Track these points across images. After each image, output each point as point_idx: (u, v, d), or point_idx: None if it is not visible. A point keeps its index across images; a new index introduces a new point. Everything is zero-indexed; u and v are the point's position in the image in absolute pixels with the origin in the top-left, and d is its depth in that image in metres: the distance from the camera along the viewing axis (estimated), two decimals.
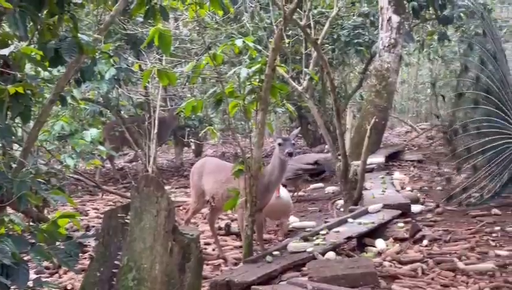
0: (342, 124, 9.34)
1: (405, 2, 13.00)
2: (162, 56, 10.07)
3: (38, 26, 4.61)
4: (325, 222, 8.38)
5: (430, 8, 13.60)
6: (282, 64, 8.02)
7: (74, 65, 5.07)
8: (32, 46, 4.72)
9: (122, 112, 13.55)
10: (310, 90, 12.17)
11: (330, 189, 11.30)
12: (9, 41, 4.78)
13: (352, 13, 14.52)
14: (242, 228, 7.01)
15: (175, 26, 12.84)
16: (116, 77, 9.00)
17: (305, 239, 7.05)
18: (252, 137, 6.98)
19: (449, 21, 13.60)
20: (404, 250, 7.10)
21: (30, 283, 4.13)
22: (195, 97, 12.06)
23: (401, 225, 7.84)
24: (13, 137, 5.04)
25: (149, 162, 9.53)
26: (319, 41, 8.63)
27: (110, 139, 13.23)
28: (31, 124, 5.60)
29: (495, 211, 8.68)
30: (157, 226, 4.81)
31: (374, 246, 7.22)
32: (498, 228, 7.91)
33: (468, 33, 13.40)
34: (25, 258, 4.11)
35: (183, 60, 12.81)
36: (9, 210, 4.94)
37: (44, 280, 4.42)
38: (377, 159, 11.93)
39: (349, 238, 7.28)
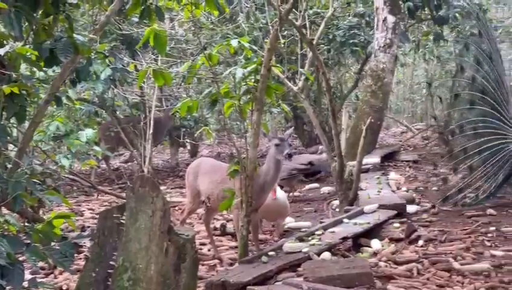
0: (337, 125, 9.34)
1: (400, 2, 13.01)
2: (157, 56, 10.07)
3: (34, 27, 4.61)
4: (321, 222, 8.38)
5: (426, 9, 13.62)
6: (278, 65, 8.01)
7: (69, 65, 5.07)
8: (28, 46, 4.72)
9: (117, 112, 13.54)
10: (306, 91, 12.19)
11: (326, 189, 11.30)
12: (5, 42, 4.78)
13: (347, 13, 14.53)
14: (237, 228, 7.01)
15: (170, 26, 12.82)
16: (111, 77, 8.98)
17: (301, 239, 7.06)
18: (248, 137, 6.98)
19: (444, 21, 13.62)
20: (400, 250, 7.10)
21: (25, 284, 4.12)
22: (190, 97, 12.03)
23: (397, 225, 7.85)
24: (8, 137, 5.03)
25: (144, 162, 9.53)
26: (314, 42, 8.63)
27: (105, 139, 13.21)
28: (26, 124, 5.59)
29: (490, 211, 8.69)
30: (152, 227, 4.81)
31: (370, 247, 7.22)
32: (493, 228, 7.92)
33: (463, 33, 13.41)
34: (20, 259, 4.10)
35: (179, 60, 12.82)
36: (4, 210, 4.92)
37: (39, 280, 4.41)
38: (373, 159, 11.94)
39: (344, 239, 7.29)
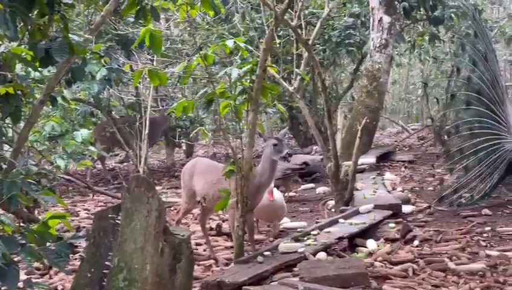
0: (333, 125, 9.34)
1: (396, 2, 13.02)
2: (153, 56, 10.07)
3: (29, 27, 4.60)
4: (316, 223, 8.39)
5: (421, 9, 13.62)
6: (273, 65, 8.01)
7: (65, 65, 5.07)
8: (23, 46, 4.71)
9: (113, 113, 13.51)
10: (301, 91, 12.20)
11: (321, 189, 11.31)
12: (0, 42, 4.77)
13: (343, 14, 14.53)
14: (233, 228, 7.00)
15: (166, 26, 12.82)
16: (107, 78, 8.96)
17: (296, 240, 7.06)
18: (243, 138, 6.97)
19: (440, 22, 13.62)
20: (395, 250, 7.11)
21: (20, 284, 4.11)
22: (186, 98, 12.06)
23: (392, 225, 7.86)
24: (3, 137, 5.03)
25: (140, 162, 9.51)
26: (310, 42, 8.62)
27: (101, 139, 13.20)
28: (22, 124, 5.59)
29: (485, 211, 8.72)
30: (148, 227, 4.80)
31: (365, 247, 7.23)
32: (488, 228, 7.94)
33: (459, 34, 13.43)
34: (16, 259, 4.09)
35: (174, 61, 12.82)
36: None
37: (34, 280, 4.39)
38: (368, 159, 11.95)
39: (340, 239, 7.29)
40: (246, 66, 6.60)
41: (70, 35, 4.76)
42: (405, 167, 13.05)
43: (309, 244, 6.90)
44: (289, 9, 7.74)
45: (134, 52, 11.40)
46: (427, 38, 15.52)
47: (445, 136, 9.85)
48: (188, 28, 13.00)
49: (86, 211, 10.59)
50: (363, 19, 14.03)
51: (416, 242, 7.40)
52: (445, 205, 9.12)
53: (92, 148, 8.45)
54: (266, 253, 6.64)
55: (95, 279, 4.94)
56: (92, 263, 4.99)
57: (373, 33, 12.91)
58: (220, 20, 13.30)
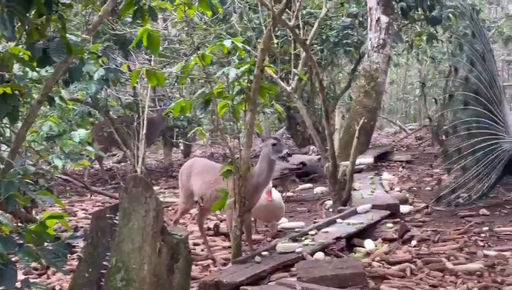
0: (330, 125, 9.35)
1: (394, 2, 13.02)
2: (150, 56, 10.05)
3: (26, 27, 4.59)
4: (314, 223, 8.39)
5: (419, 9, 13.62)
6: (271, 65, 8.00)
7: (62, 65, 5.06)
8: (20, 46, 4.71)
9: (110, 113, 13.51)
10: (299, 91, 12.20)
11: (319, 189, 11.30)
12: None
13: (341, 14, 14.54)
14: (231, 228, 7.00)
15: (164, 26, 12.82)
16: (104, 78, 8.96)
17: (294, 239, 7.06)
18: (241, 138, 6.97)
19: (438, 22, 13.63)
20: (393, 250, 7.11)
21: (18, 284, 4.11)
22: (184, 98, 12.04)
23: (390, 225, 7.87)
24: (1, 137, 5.03)
25: (138, 162, 9.50)
26: (307, 42, 8.63)
27: (98, 139, 13.18)
28: (19, 124, 5.58)
29: (483, 211, 8.72)
30: (145, 227, 4.80)
31: (363, 247, 7.23)
32: (486, 228, 7.95)
33: (456, 34, 13.44)
34: (13, 259, 4.09)
35: (172, 61, 12.82)
36: None
37: (32, 280, 4.40)
38: (366, 159, 11.96)
39: (338, 239, 7.29)
40: (243, 66, 6.60)
41: (67, 35, 4.76)
42: (403, 167, 13.05)
43: (307, 244, 6.90)
44: (287, 9, 7.74)
45: (132, 52, 11.38)
46: (424, 38, 15.54)
47: (443, 136, 9.85)
48: (186, 28, 13.00)
49: (83, 211, 10.58)
50: (360, 19, 14.03)
51: (414, 242, 7.40)
52: (443, 205, 9.13)
53: (89, 148, 8.44)
54: (264, 253, 6.64)
55: (93, 279, 4.93)
56: (90, 263, 4.98)
57: (371, 33, 12.91)
58: (218, 20, 13.31)
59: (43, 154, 7.93)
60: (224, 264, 7.24)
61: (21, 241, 4.15)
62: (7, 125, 6.10)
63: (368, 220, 7.75)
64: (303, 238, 7.11)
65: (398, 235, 7.55)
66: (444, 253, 7.02)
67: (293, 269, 6.26)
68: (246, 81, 6.65)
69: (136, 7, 5.48)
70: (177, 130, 15.47)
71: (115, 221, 4.95)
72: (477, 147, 9.09)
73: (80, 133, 8.08)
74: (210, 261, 7.52)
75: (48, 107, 7.74)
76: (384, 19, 12.72)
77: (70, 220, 9.49)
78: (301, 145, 15.58)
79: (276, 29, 8.93)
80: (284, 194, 10.72)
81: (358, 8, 14.16)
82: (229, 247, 7.50)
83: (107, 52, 9.85)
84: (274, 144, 6.93)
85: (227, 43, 6.46)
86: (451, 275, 6.33)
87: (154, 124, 13.44)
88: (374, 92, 12.88)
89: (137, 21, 5.86)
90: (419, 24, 15.80)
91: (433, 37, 14.91)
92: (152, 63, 9.45)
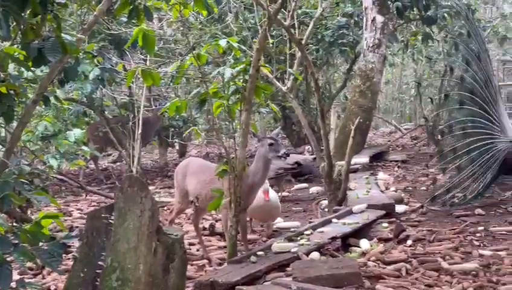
0: (326, 124, 9.34)
1: (389, 2, 13.03)
2: (146, 56, 10.04)
3: (22, 26, 4.58)
4: (310, 222, 8.40)
5: (414, 9, 13.63)
6: (267, 65, 8.01)
7: (58, 65, 5.05)
8: (15, 46, 4.70)
9: (106, 112, 13.49)
10: (294, 91, 12.19)
11: (314, 189, 11.31)
12: None
13: (336, 13, 14.55)
14: (226, 228, 7.00)
15: (159, 26, 12.81)
16: (100, 77, 8.93)
17: (290, 239, 7.06)
18: (236, 137, 6.97)
19: (433, 21, 13.63)
20: (389, 250, 7.11)
21: (13, 284, 4.10)
22: (179, 97, 12.04)
23: (386, 225, 7.86)
24: None
25: (133, 162, 9.49)
26: (303, 42, 8.62)
27: (94, 139, 13.18)
28: (14, 124, 5.57)
29: (478, 211, 8.73)
30: (141, 227, 4.80)
31: (358, 246, 7.23)
32: (481, 227, 7.95)
33: (452, 33, 13.45)
34: (8, 259, 4.08)
35: (168, 60, 12.80)
36: None
37: (27, 280, 4.38)
38: (361, 159, 11.97)
39: (333, 239, 7.29)
40: (239, 65, 6.60)
41: (63, 34, 4.74)
42: (398, 167, 13.07)
43: (302, 244, 6.90)
44: (282, 9, 7.74)
45: (127, 52, 11.38)
46: (420, 38, 15.54)
47: (439, 136, 9.86)
48: (181, 28, 12.99)
49: (79, 211, 10.57)
50: (356, 19, 14.04)
51: (409, 242, 7.41)
52: (438, 205, 9.13)
53: (84, 148, 8.44)
54: (259, 253, 6.64)
55: (88, 279, 4.93)
56: (85, 263, 4.98)
57: (366, 33, 12.93)
58: (213, 19, 13.30)
59: (38, 154, 7.91)
60: (220, 264, 7.24)
61: (16, 241, 4.14)
62: (2, 125, 6.09)
63: (363, 220, 7.76)
64: (298, 238, 7.11)
65: (393, 235, 7.55)
66: (439, 253, 7.02)
67: (288, 269, 6.25)
68: (242, 80, 6.66)
69: (131, 7, 5.47)
70: (173, 129, 15.49)
71: (110, 221, 4.94)
72: (472, 146, 9.10)
73: (75, 133, 8.07)
74: (205, 261, 7.52)
75: (43, 106, 7.72)
76: (379, 19, 12.74)
77: (66, 220, 9.48)
78: (296, 145, 15.57)
79: (272, 28, 8.91)
80: (279, 193, 10.72)
81: (353, 8, 14.17)
82: (225, 247, 7.49)
83: (102, 52, 9.86)
84: (271, 144, 6.93)
85: (223, 42, 6.46)
86: (447, 274, 6.33)
87: (149, 123, 13.44)
88: (370, 91, 12.90)
89: (133, 21, 5.84)
90: (414, 24, 15.81)
91: (429, 37, 14.91)
92: (147, 62, 9.44)
